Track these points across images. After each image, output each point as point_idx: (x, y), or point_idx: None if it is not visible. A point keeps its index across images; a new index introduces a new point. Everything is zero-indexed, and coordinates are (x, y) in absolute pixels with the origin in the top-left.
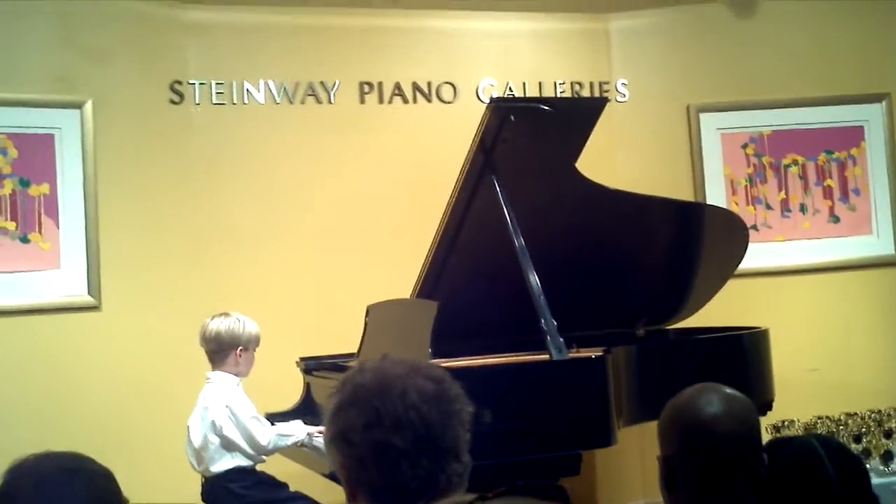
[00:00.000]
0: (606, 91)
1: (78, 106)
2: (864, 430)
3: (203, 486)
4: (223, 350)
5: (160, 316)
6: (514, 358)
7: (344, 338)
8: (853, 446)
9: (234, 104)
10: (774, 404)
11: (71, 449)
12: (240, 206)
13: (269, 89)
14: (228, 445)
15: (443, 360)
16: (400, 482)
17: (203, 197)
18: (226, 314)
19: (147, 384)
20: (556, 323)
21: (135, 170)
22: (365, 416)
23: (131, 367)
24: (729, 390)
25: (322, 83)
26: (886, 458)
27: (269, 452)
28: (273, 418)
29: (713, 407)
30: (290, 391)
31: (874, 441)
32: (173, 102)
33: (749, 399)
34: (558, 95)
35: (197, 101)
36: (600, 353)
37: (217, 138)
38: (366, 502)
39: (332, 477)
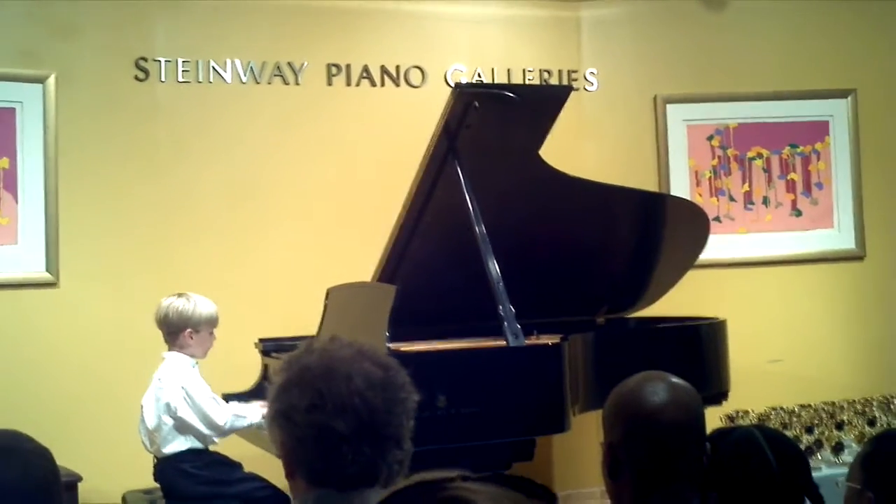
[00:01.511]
0: (575, 80)
1: (41, 80)
2: (816, 421)
3: (155, 466)
4: (173, 332)
5: (119, 294)
6: (471, 343)
7: (304, 320)
8: (805, 437)
9: (199, 83)
10: (730, 394)
11: (26, 428)
12: (203, 185)
13: (236, 68)
14: (182, 427)
15: (401, 343)
16: (339, 466)
17: (166, 175)
18: (179, 295)
19: (104, 363)
20: (514, 309)
21: (97, 146)
22: (308, 397)
23: (89, 345)
24: (674, 379)
25: (289, 64)
26: (837, 449)
27: (225, 433)
28: (230, 399)
29: (658, 396)
30: (249, 372)
31: (826, 433)
32: (138, 79)
33: (693, 388)
34: (527, 83)
35: (162, 79)
36: (556, 341)
37: (182, 116)
38: (303, 482)
39: None
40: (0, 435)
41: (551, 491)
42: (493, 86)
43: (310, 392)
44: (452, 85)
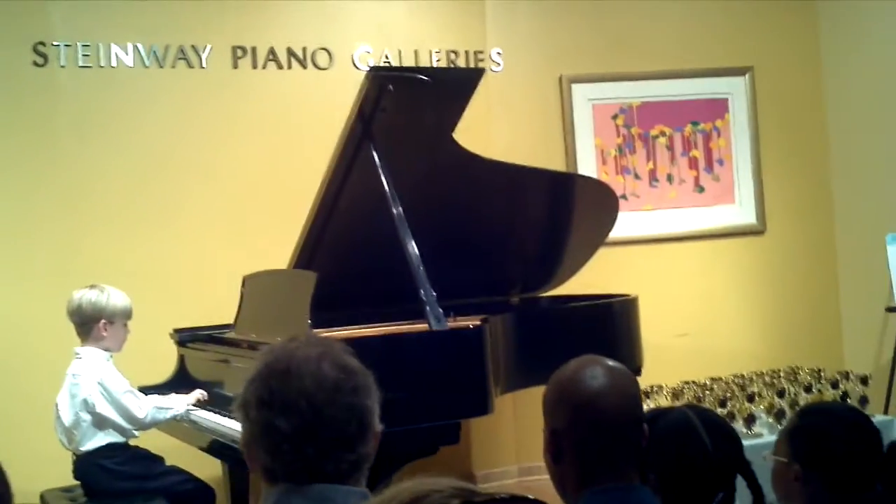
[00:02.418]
0: (481, 60)
1: None
2: (728, 394)
3: (74, 463)
4: (86, 323)
5: (24, 288)
6: (394, 328)
7: (219, 308)
8: (718, 410)
9: (101, 67)
10: (643, 370)
11: None
12: (108, 173)
13: (139, 52)
14: (101, 422)
15: (322, 330)
16: (283, 463)
17: (69, 164)
18: (92, 286)
19: (12, 359)
20: (434, 293)
21: None
22: (260, 393)
23: None
24: (611, 363)
25: (193, 47)
26: (749, 421)
27: (146, 426)
28: (146, 391)
29: (597, 381)
30: (164, 363)
31: (738, 405)
32: (37, 65)
33: (629, 370)
34: (434, 64)
35: (62, 64)
36: (478, 323)
37: (84, 103)
38: (260, 475)
39: (208, 450)
40: None
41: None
42: (407, 69)
43: (263, 389)
44: (360, 66)
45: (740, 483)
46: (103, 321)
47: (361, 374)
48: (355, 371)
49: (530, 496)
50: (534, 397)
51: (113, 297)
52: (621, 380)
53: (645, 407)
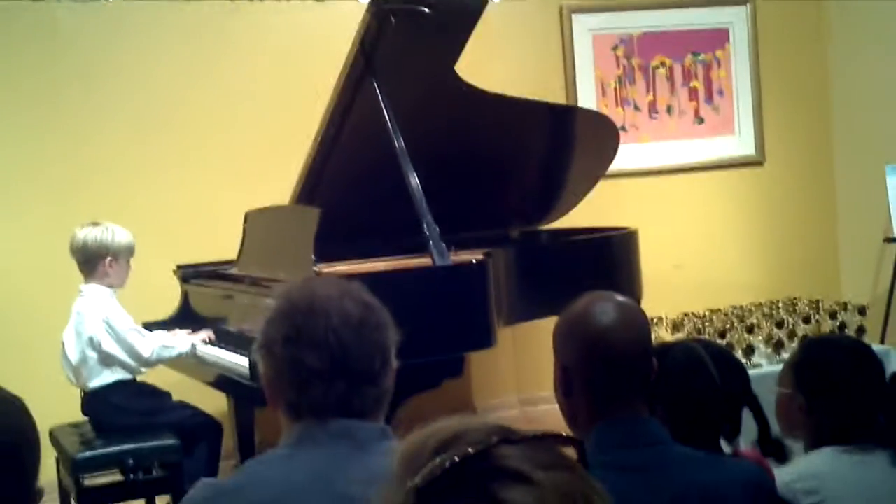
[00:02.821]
0: None
1: None
2: (727, 325)
3: (83, 399)
4: (91, 260)
5: (28, 229)
6: (398, 263)
7: (221, 245)
8: (718, 341)
9: (97, 0)
10: (642, 302)
11: None
12: (110, 110)
13: None
14: (107, 360)
15: (324, 264)
16: (312, 399)
17: (70, 100)
18: (95, 223)
19: (16, 298)
20: (438, 228)
21: None
22: (286, 331)
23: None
24: (621, 298)
25: None
26: (748, 351)
27: (151, 364)
28: (150, 328)
29: (608, 317)
30: (168, 299)
31: (737, 336)
32: None
33: (638, 305)
34: None
35: None
36: (481, 258)
37: (82, 37)
38: (283, 413)
39: (215, 385)
40: None
41: (580, 442)
42: (408, 1)
43: (288, 326)
44: None
45: (746, 415)
46: (108, 258)
47: (381, 311)
48: (375, 308)
49: (563, 433)
50: (533, 329)
51: (117, 234)
52: (631, 315)
53: None
